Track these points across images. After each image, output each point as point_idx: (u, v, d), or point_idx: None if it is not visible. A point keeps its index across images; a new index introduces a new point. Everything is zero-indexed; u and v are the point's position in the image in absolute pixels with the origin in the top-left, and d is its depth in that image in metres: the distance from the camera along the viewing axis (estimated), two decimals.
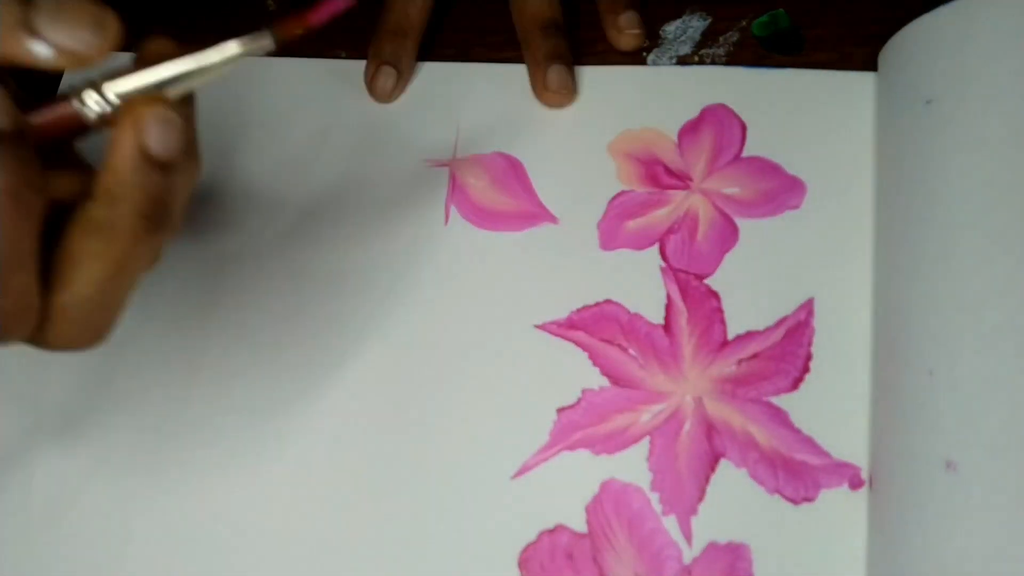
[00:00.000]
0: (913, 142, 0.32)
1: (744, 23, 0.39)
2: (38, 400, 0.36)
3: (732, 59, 0.38)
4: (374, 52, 0.40)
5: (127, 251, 0.23)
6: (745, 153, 0.37)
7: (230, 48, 0.24)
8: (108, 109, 0.23)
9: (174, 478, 0.34)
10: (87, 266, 0.23)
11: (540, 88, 0.38)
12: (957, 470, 0.27)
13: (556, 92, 0.38)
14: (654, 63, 0.39)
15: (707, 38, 0.39)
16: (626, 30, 0.39)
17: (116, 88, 0.23)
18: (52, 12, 0.21)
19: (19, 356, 0.36)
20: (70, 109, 0.23)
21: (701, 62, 0.39)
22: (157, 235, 0.23)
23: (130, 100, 0.23)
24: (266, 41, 0.24)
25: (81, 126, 0.23)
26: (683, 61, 0.39)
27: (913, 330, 0.30)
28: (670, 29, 0.39)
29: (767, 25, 0.38)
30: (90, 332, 0.24)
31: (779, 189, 0.36)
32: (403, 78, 0.40)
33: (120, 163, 0.23)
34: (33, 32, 0.21)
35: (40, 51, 0.21)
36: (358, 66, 0.40)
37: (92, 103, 0.23)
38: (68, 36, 0.22)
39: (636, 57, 0.39)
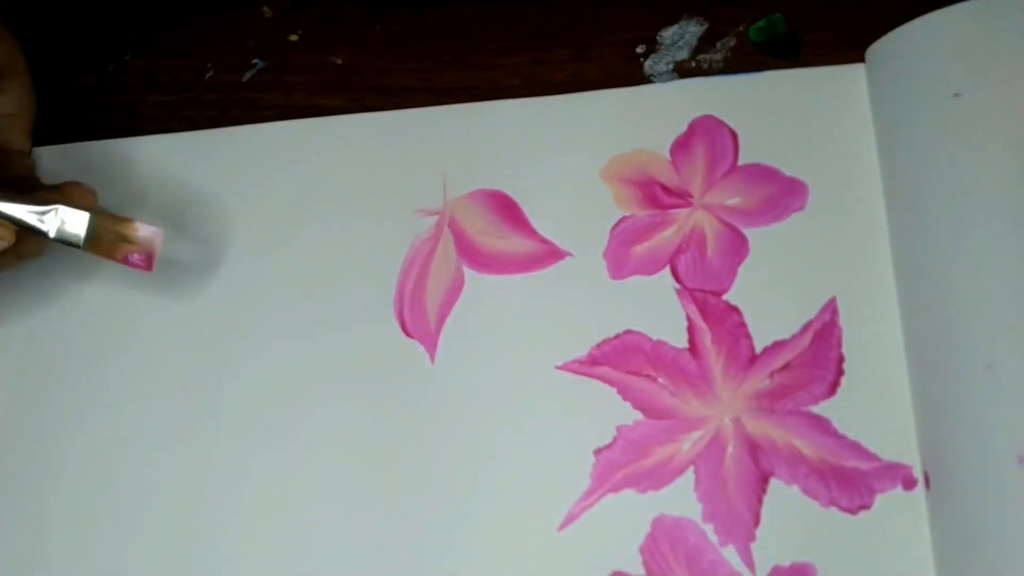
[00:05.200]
0: (938, 135, 0.32)
1: (741, 28, 0.38)
2: (41, 403, 0.36)
3: (729, 64, 0.38)
4: None
5: None
6: (741, 161, 0.36)
7: (46, 229, 0.32)
8: None
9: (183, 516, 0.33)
10: None
11: None
12: None
13: None
14: (652, 69, 0.38)
15: (704, 43, 0.38)
16: None
17: None
18: None
19: (21, 359, 0.37)
20: None
21: (699, 67, 0.38)
22: None
23: None
24: (79, 247, 0.33)
25: None
26: (680, 66, 0.38)
27: (963, 324, 0.30)
28: (667, 34, 0.39)
29: (764, 30, 0.37)
30: None
31: (781, 192, 0.35)
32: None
33: None
34: None
35: None
36: (341, 123, 0.39)
37: None
38: None
39: (634, 62, 0.38)
